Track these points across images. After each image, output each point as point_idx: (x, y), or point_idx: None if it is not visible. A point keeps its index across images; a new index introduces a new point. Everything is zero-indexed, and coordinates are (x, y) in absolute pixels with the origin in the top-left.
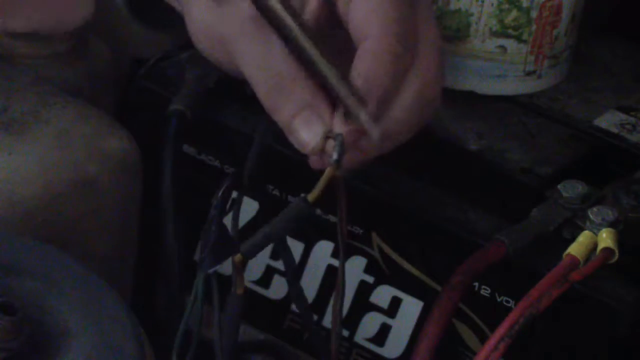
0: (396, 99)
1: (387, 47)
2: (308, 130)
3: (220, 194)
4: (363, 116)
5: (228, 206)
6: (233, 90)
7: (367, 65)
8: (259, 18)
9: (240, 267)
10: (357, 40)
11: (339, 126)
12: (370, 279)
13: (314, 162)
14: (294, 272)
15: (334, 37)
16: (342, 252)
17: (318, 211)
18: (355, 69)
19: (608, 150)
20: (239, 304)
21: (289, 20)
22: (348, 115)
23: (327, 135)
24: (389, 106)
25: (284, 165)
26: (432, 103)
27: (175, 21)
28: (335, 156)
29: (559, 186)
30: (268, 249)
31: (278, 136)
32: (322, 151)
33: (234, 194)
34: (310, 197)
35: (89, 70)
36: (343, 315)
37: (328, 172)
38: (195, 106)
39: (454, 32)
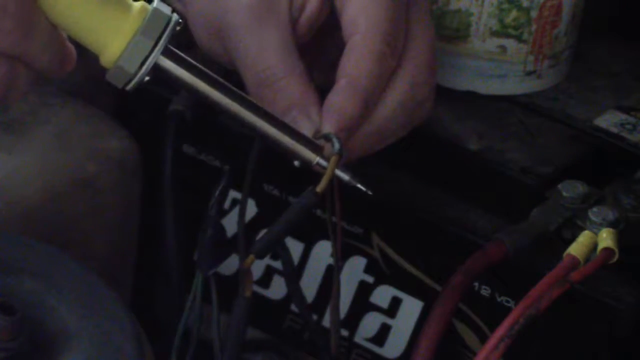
0: (384, 97)
1: (371, 46)
2: None
3: (217, 193)
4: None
5: (228, 206)
6: None
7: (351, 63)
8: (257, 10)
9: (249, 269)
10: (346, 38)
11: (328, 126)
12: (370, 279)
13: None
14: (293, 271)
15: (334, 39)
16: (337, 250)
17: (318, 211)
18: (340, 67)
19: (608, 150)
20: (247, 307)
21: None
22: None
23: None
24: (376, 104)
25: (284, 165)
26: (422, 104)
27: None
28: (337, 145)
29: (559, 186)
30: None
31: None
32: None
33: (237, 195)
34: (319, 188)
35: (88, 70)
36: (342, 316)
37: (333, 161)
38: (195, 106)
39: (454, 32)
